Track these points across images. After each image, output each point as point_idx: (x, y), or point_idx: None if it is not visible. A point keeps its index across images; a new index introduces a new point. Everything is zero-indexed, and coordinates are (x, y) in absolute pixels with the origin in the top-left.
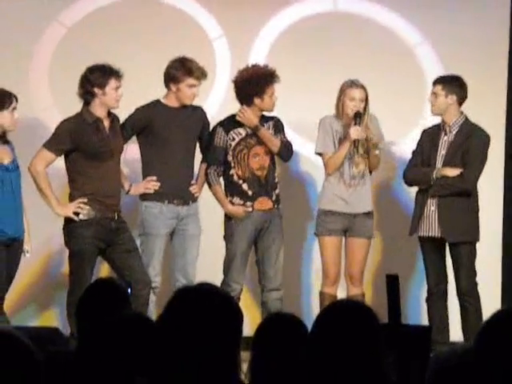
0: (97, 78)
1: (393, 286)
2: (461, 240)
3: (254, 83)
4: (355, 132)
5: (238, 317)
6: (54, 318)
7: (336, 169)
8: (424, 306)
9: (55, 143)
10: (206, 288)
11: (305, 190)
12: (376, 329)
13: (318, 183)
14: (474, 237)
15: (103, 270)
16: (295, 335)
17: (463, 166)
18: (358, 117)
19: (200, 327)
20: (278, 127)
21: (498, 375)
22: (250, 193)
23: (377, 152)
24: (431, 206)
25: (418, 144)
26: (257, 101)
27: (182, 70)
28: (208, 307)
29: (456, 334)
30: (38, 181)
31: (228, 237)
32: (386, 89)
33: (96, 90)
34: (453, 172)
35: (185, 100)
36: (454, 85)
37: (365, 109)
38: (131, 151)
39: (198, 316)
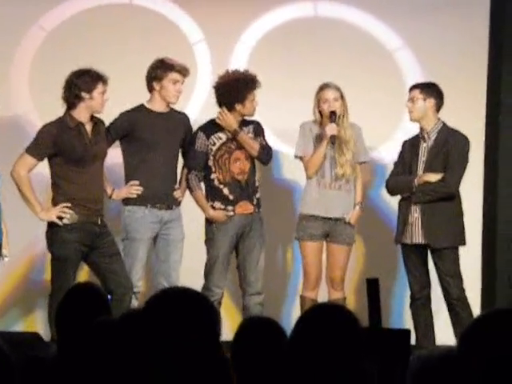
0: (84, 82)
1: (373, 289)
2: (445, 245)
3: (235, 89)
4: (330, 129)
5: (214, 317)
6: (37, 322)
7: (316, 170)
8: (406, 311)
9: (37, 148)
10: (181, 290)
11: (287, 193)
12: (357, 332)
13: (300, 187)
14: (459, 242)
15: (83, 274)
16: (272, 339)
17: (444, 170)
18: (334, 115)
19: (176, 329)
20: (258, 131)
21: (480, 377)
22: (231, 197)
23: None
24: (414, 213)
25: (400, 154)
26: (238, 106)
27: (162, 66)
28: (184, 308)
29: (441, 338)
30: (21, 186)
31: (209, 241)
32: (366, 93)
33: (83, 94)
34: (434, 177)
35: (170, 98)
36: (431, 89)
37: (343, 108)
38: (112, 156)
39: (173, 318)
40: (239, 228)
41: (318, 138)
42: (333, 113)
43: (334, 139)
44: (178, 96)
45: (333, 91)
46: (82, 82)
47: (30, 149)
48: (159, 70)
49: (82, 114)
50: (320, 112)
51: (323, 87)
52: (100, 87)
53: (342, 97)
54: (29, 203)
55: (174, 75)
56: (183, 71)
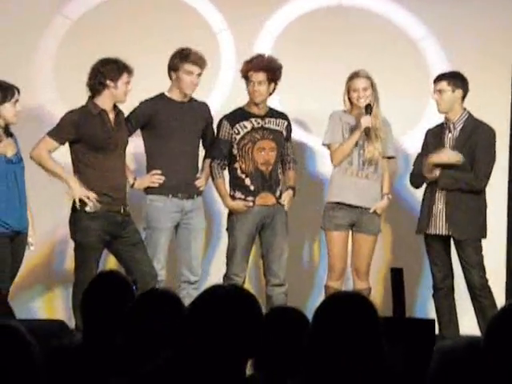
0: (110, 70)
1: (397, 279)
2: (468, 237)
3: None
4: (366, 121)
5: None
6: (60, 310)
7: (342, 159)
8: (431, 301)
9: (58, 132)
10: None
11: (312, 183)
12: (373, 319)
13: (325, 175)
14: (482, 234)
15: (109, 263)
16: (298, 328)
17: (471, 162)
18: (370, 108)
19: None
20: (289, 132)
21: (506, 369)
22: (252, 188)
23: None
24: (439, 204)
25: (423, 144)
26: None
27: (179, 57)
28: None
29: (464, 327)
30: (44, 163)
31: (229, 230)
32: (390, 83)
33: (108, 82)
34: (445, 157)
35: (185, 88)
36: (458, 79)
37: (374, 97)
38: (135, 144)
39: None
40: (259, 219)
41: (348, 127)
42: (368, 105)
43: (368, 131)
44: (193, 87)
45: (363, 80)
46: (107, 70)
47: (52, 132)
48: (175, 60)
49: (105, 101)
50: (350, 100)
51: (353, 76)
52: (125, 77)
53: (372, 85)
54: (58, 176)
55: (187, 66)
56: (198, 62)
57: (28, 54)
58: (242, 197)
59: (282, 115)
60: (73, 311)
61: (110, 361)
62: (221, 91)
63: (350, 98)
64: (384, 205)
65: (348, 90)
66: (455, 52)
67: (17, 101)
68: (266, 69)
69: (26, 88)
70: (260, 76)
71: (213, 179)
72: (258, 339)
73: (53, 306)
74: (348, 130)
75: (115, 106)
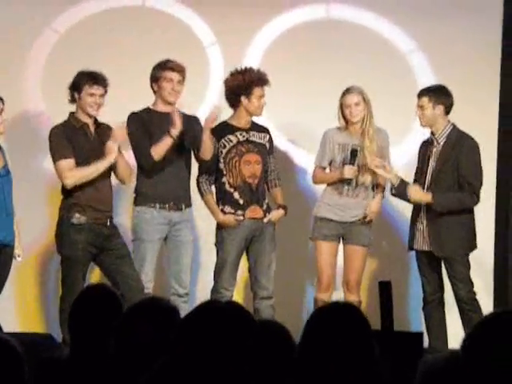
0: (77, 81)
1: (385, 292)
2: (450, 255)
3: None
4: (349, 172)
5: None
6: (46, 323)
7: (319, 184)
8: (421, 314)
9: (60, 149)
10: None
11: (304, 196)
12: (364, 329)
13: (313, 189)
14: (466, 249)
15: (95, 276)
16: (280, 343)
17: (455, 177)
18: (354, 155)
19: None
20: (271, 146)
21: (483, 380)
22: (241, 202)
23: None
24: (424, 221)
25: (418, 158)
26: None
27: (157, 67)
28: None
29: (454, 341)
30: (82, 177)
31: (218, 244)
32: (378, 95)
33: (75, 93)
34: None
35: (167, 96)
36: (439, 95)
37: (367, 112)
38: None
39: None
40: (249, 232)
41: (339, 147)
42: (354, 152)
43: (349, 181)
44: (175, 95)
45: (354, 96)
46: (75, 81)
47: (56, 155)
48: (154, 71)
49: (81, 114)
50: (344, 117)
51: (345, 92)
52: (87, 88)
53: (364, 100)
54: (102, 167)
55: (166, 73)
56: (177, 68)
57: (17, 66)
58: (232, 211)
59: (264, 129)
60: (60, 325)
61: (97, 374)
62: (210, 104)
63: (343, 115)
64: (377, 204)
65: (341, 107)
66: (442, 65)
67: (2, 110)
68: (267, 82)
69: (14, 100)
70: (263, 90)
71: (201, 195)
72: (249, 358)
73: (39, 318)
74: (338, 149)
75: (96, 121)
